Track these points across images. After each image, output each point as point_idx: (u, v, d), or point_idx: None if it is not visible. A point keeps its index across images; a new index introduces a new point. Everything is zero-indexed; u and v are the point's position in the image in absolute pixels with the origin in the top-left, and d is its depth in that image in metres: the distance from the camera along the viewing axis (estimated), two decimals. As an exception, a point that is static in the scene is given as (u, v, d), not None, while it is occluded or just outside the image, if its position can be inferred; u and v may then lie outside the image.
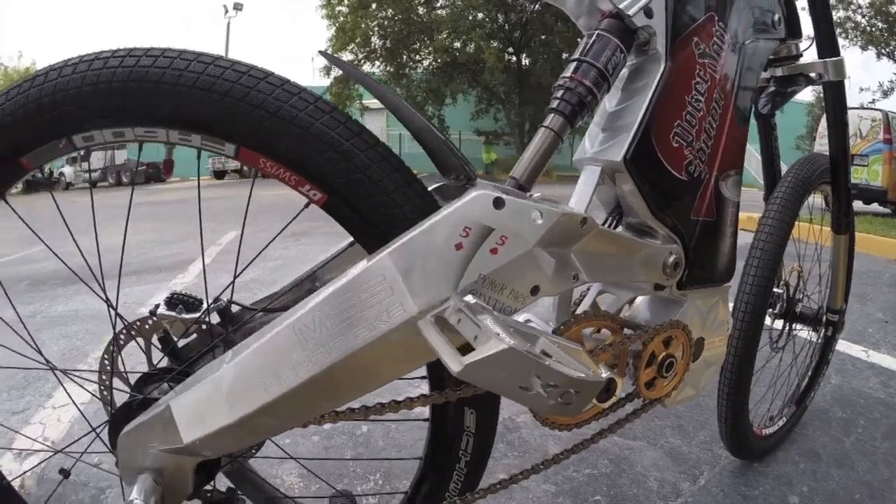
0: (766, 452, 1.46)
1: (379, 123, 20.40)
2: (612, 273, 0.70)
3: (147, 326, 0.80)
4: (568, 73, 0.69)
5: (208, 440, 0.57)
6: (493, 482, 0.74)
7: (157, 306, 0.79)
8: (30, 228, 0.76)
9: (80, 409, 0.93)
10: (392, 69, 16.75)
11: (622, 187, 0.73)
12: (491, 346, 0.44)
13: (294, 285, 0.81)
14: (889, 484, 1.36)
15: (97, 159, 19.22)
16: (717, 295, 0.86)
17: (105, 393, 0.83)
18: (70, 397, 0.86)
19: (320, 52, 0.80)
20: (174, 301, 0.79)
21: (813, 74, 1.12)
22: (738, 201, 0.84)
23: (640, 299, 0.85)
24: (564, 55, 16.51)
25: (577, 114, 0.67)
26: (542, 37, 17.10)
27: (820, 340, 1.56)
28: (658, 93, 0.71)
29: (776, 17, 0.90)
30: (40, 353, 0.81)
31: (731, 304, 1.03)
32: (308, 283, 0.79)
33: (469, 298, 0.52)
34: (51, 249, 0.79)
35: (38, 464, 1.40)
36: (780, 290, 1.44)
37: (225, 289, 0.80)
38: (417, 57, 16.89)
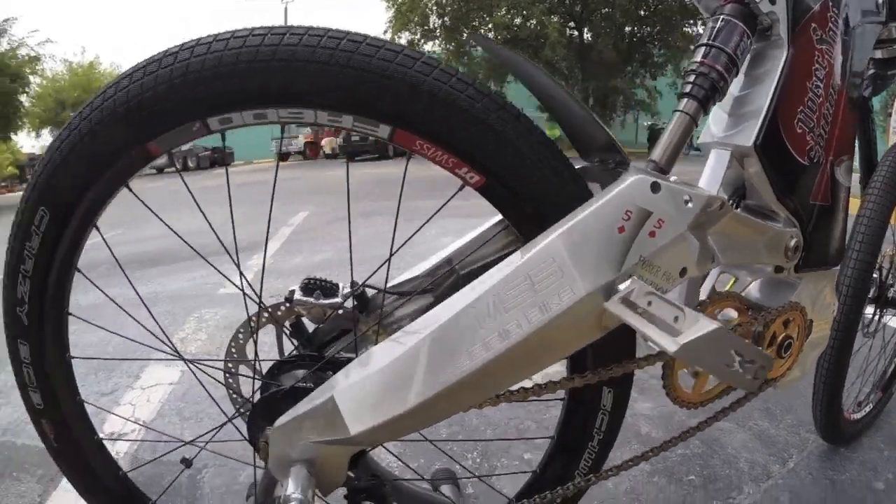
0: (853, 438, 1.45)
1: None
2: (741, 255, 0.71)
3: (281, 312, 0.78)
4: (698, 57, 0.69)
5: (376, 431, 0.56)
6: (613, 464, 0.76)
7: (293, 292, 0.77)
8: (155, 215, 0.78)
9: (214, 399, 0.87)
10: (452, 48, 16.61)
11: (749, 171, 0.74)
12: (701, 326, 0.47)
13: (432, 269, 0.79)
14: None
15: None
16: (826, 278, 0.85)
17: (231, 380, 0.83)
18: (206, 390, 0.83)
19: (470, 35, 0.75)
20: (311, 286, 0.77)
21: None
22: (850, 186, 0.84)
23: (757, 282, 0.86)
24: (627, 28, 15.93)
25: (709, 98, 0.68)
26: (604, 10, 16.64)
27: None
28: (782, 79, 0.72)
29: (880, 0, 0.87)
30: (169, 342, 0.82)
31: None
32: (445, 266, 0.77)
33: (638, 281, 0.54)
34: (180, 237, 0.81)
35: (165, 453, 1.36)
36: (875, 275, 1.41)
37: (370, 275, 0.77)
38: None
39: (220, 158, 20.53)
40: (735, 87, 0.77)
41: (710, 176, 0.73)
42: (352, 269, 0.79)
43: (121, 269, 0.78)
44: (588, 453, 0.77)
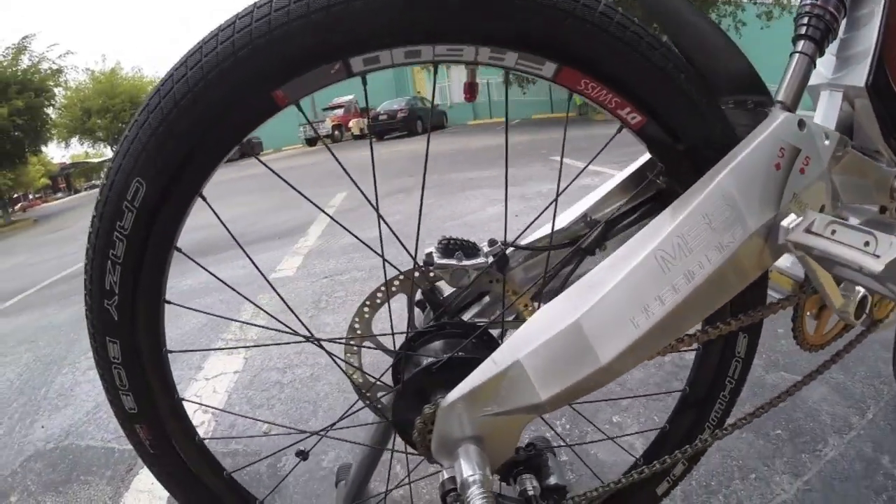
0: None
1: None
2: (854, 195, 0.71)
3: (421, 277, 0.71)
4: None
5: (565, 393, 0.53)
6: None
7: (431, 254, 0.70)
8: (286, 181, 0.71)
9: (353, 382, 0.75)
10: None
11: (859, 111, 0.73)
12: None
13: (569, 225, 0.76)
14: None
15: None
16: None
17: (351, 357, 0.74)
18: (343, 370, 0.73)
19: None
20: (450, 247, 0.70)
21: None
22: None
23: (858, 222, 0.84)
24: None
25: (825, 39, 0.66)
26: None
27: None
28: (884, 20, 0.70)
29: None
30: (306, 327, 0.72)
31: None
32: (581, 221, 0.75)
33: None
34: (322, 210, 0.78)
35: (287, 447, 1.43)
36: None
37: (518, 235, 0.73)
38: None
39: (250, 148, 20.67)
40: (840, 28, 0.76)
41: (825, 116, 0.73)
42: (505, 227, 0.75)
43: (240, 248, 0.63)
44: (719, 404, 0.78)
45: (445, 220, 4.00)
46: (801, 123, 0.58)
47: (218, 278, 0.78)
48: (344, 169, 0.67)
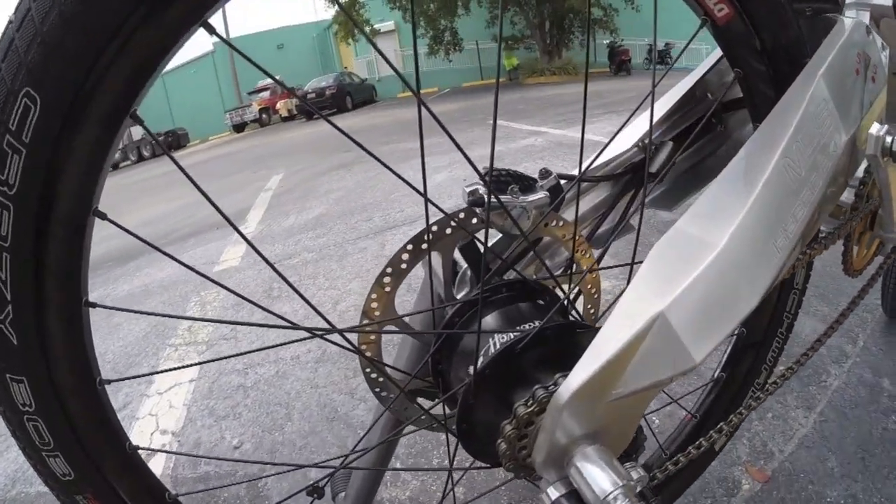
0: None
1: (392, 45, 20.03)
2: (891, 112, 0.64)
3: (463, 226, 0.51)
4: None
5: (714, 349, 0.41)
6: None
7: (474, 191, 0.50)
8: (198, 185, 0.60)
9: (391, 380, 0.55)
10: None
11: (884, 30, 0.70)
12: None
13: (623, 154, 0.65)
14: None
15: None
16: None
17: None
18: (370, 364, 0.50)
19: None
20: (502, 180, 0.52)
21: None
22: None
23: None
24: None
25: None
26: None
27: None
28: None
29: None
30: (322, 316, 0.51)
31: None
32: (635, 149, 0.65)
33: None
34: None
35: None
36: None
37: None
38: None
39: (175, 141, 19.48)
40: None
41: None
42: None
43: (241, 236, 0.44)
44: (777, 341, 0.72)
45: (393, 191, 3.85)
46: (868, 29, 0.52)
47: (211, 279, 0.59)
48: (349, 136, 0.50)
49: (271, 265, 0.42)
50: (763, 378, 0.72)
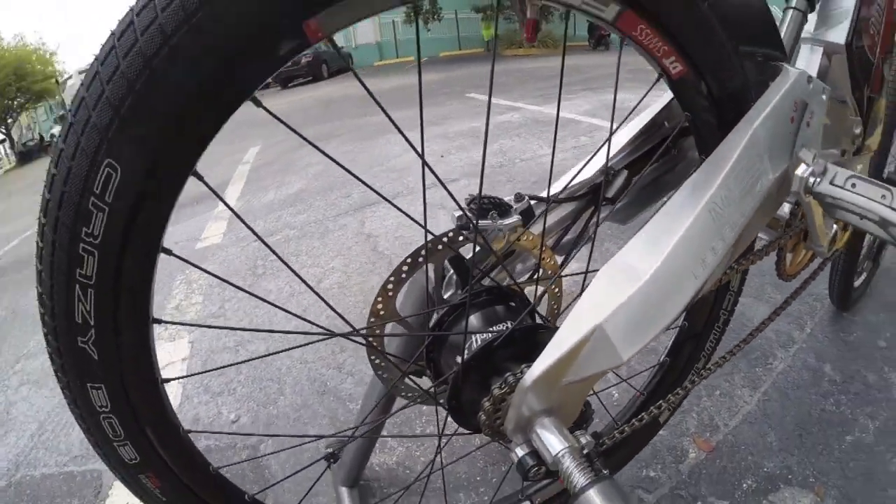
0: (855, 303, 1.59)
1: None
2: (831, 140, 0.77)
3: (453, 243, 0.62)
4: None
5: (642, 349, 0.53)
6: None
7: (461, 216, 0.61)
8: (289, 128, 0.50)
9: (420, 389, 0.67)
10: None
11: (835, 66, 0.78)
12: None
13: (591, 177, 0.74)
14: None
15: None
16: (866, 161, 0.92)
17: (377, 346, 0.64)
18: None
19: None
20: (485, 207, 0.62)
21: None
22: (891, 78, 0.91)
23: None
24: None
25: None
26: None
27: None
28: None
29: None
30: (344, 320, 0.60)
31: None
32: (599, 173, 0.74)
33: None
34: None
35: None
36: None
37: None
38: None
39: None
40: None
41: (806, 68, 0.75)
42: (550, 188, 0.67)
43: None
44: (714, 334, 0.83)
45: (371, 167, 3.88)
46: (810, 79, 0.60)
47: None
48: (375, 100, 0.58)
49: (290, 267, 0.51)
50: (702, 363, 0.84)
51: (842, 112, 0.78)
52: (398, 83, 9.77)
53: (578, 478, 0.48)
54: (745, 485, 1.05)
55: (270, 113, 0.44)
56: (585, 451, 0.52)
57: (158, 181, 0.40)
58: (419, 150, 0.49)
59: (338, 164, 0.51)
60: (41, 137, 18.97)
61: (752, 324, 1.50)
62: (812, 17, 0.77)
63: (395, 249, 2.36)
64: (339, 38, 19.94)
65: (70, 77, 19.28)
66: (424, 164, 0.50)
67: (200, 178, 0.42)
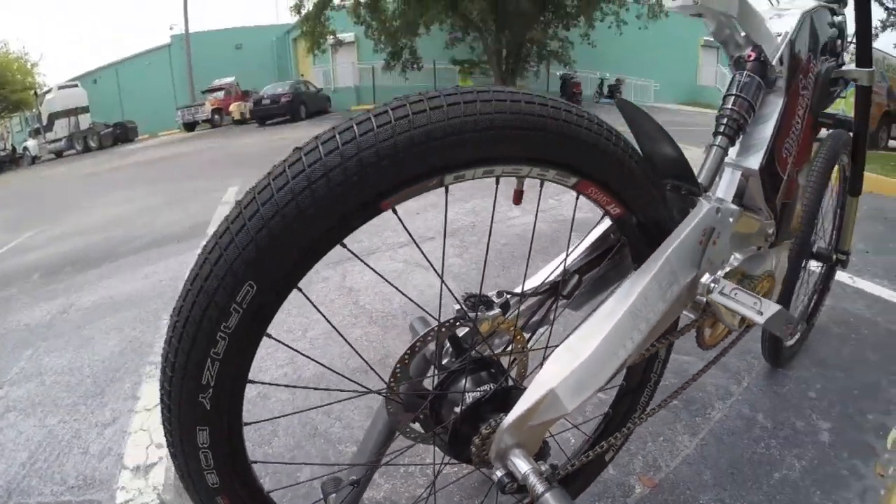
0: (788, 360, 1.83)
1: (351, 57, 20.24)
2: (746, 243, 1.01)
3: (448, 329, 0.81)
4: (729, 104, 0.96)
5: (579, 405, 0.75)
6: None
7: (461, 310, 0.83)
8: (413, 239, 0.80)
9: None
10: (367, 0, 15.80)
11: (751, 184, 1.01)
12: (772, 307, 0.78)
13: (552, 275, 0.94)
14: (878, 385, 1.74)
15: (61, 127, 18.03)
16: (786, 248, 1.16)
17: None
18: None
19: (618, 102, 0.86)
20: (475, 303, 0.83)
21: (853, 78, 1.32)
22: (804, 183, 1.16)
23: (747, 258, 1.11)
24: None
25: (736, 134, 0.95)
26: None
27: (824, 272, 1.91)
28: (780, 117, 0.99)
29: (838, 43, 1.18)
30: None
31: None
32: (559, 273, 0.94)
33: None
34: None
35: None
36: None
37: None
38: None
39: (124, 134, 18.95)
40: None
41: (727, 188, 1.01)
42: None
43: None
44: (647, 391, 1.04)
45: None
46: (718, 210, 0.83)
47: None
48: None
49: (337, 329, 0.70)
50: (637, 413, 1.05)
51: (756, 219, 1.01)
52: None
53: (539, 488, 0.68)
54: (683, 516, 1.24)
55: (354, 255, 0.69)
56: (543, 471, 0.71)
57: (276, 294, 0.59)
58: (439, 271, 0.71)
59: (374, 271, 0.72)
60: (13, 149, 18.50)
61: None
62: (736, 146, 1.00)
63: (376, 304, 2.47)
64: (320, 80, 20.37)
65: (49, 91, 18.94)
66: (442, 282, 0.70)
67: (301, 291, 0.63)
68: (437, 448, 0.85)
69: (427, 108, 0.58)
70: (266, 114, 16.26)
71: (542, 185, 0.72)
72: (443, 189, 0.63)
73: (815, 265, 1.86)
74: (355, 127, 0.57)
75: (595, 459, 1.00)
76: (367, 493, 1.33)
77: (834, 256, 1.74)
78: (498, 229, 3.47)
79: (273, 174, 0.58)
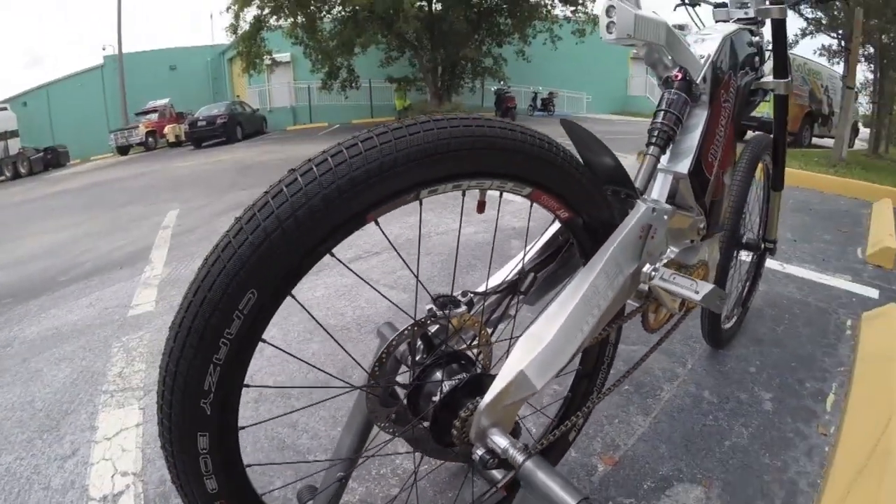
0: (727, 341, 2.01)
1: (287, 77, 20.15)
2: (680, 237, 1.13)
3: (420, 328, 0.89)
4: (659, 119, 1.10)
5: (551, 380, 0.84)
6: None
7: (431, 309, 0.89)
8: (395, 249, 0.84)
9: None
10: (303, 20, 15.64)
11: (681, 186, 1.15)
12: (706, 286, 0.89)
13: (511, 274, 1.04)
14: (813, 356, 1.95)
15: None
16: (716, 240, 1.28)
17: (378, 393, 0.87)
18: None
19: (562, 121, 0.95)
20: (444, 302, 0.90)
21: (770, 89, 1.52)
22: (728, 183, 1.31)
23: (681, 250, 1.23)
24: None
25: (667, 144, 1.09)
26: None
27: (755, 260, 2.11)
28: (705, 127, 1.14)
29: (756, 60, 1.36)
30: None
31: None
32: (517, 273, 1.03)
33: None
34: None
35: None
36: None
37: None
38: (327, 7, 15.88)
39: (55, 159, 17.96)
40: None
41: (660, 190, 1.14)
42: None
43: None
44: (601, 374, 1.15)
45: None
46: (654, 209, 0.96)
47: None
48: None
49: (325, 328, 0.76)
50: (594, 395, 1.14)
51: (687, 216, 1.15)
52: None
53: (519, 457, 0.75)
54: (645, 485, 1.35)
55: (347, 266, 0.78)
56: (520, 443, 0.79)
57: (274, 301, 0.65)
58: (415, 272, 0.79)
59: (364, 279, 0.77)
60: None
61: (642, 365, 1.83)
62: (668, 154, 1.13)
63: (329, 319, 2.49)
64: (255, 100, 20.05)
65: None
66: (418, 281, 0.81)
67: (294, 297, 0.67)
68: (414, 440, 0.92)
69: (406, 133, 0.67)
70: (202, 136, 15.84)
71: (500, 196, 0.82)
72: (373, 223, 0.70)
73: (746, 255, 2.03)
74: (345, 151, 0.65)
75: (560, 439, 1.08)
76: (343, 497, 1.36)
77: (762, 245, 1.92)
78: (443, 241, 3.55)
79: (272, 193, 0.64)
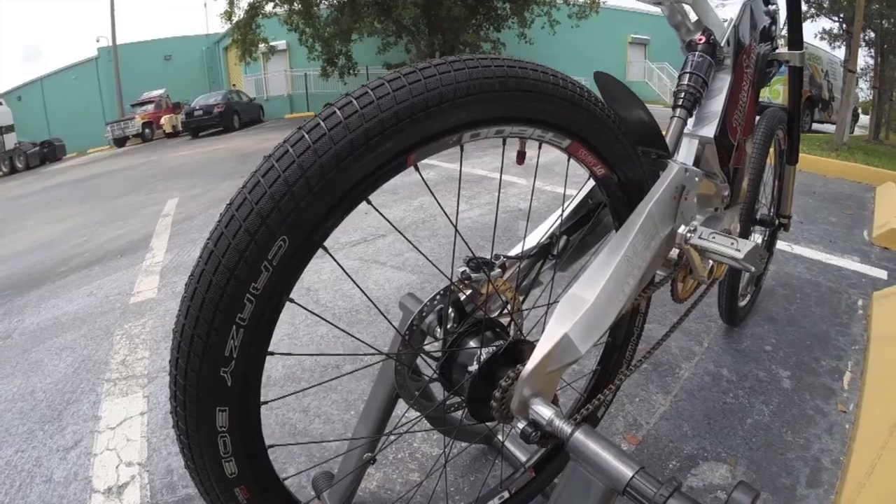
0: (742, 319, 1.98)
1: (283, 65, 19.82)
2: (706, 204, 1.10)
3: (460, 288, 0.86)
4: (685, 81, 1.07)
5: (594, 343, 0.79)
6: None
7: (465, 272, 0.85)
8: (395, 228, 0.76)
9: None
10: (300, 7, 15.45)
11: (706, 151, 1.12)
12: (748, 244, 0.85)
13: (543, 239, 0.99)
14: (827, 334, 1.92)
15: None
16: (737, 211, 1.26)
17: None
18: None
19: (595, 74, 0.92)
20: (478, 265, 0.86)
21: (785, 60, 1.47)
22: (749, 152, 1.27)
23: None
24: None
25: (693, 106, 1.06)
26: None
27: (767, 238, 2.06)
28: (729, 92, 1.12)
29: (772, 28, 1.33)
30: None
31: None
32: (548, 237, 0.99)
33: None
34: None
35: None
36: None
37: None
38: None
39: (51, 153, 17.79)
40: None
41: (686, 155, 1.11)
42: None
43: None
44: (630, 346, 1.10)
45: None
46: (686, 170, 0.92)
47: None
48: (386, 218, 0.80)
49: (360, 288, 0.71)
50: (623, 368, 1.11)
51: (713, 183, 1.11)
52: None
53: (566, 429, 0.70)
54: (671, 465, 1.31)
55: (380, 213, 0.69)
56: (566, 413, 0.74)
57: (305, 253, 0.57)
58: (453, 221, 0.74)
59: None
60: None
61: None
62: (693, 118, 1.10)
63: (337, 301, 2.45)
64: (251, 89, 19.90)
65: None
66: (456, 231, 0.73)
67: (326, 249, 0.60)
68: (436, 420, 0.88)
69: (451, 69, 0.61)
70: (199, 125, 15.74)
71: (539, 147, 0.77)
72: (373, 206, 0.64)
73: (757, 233, 2.00)
74: (387, 83, 0.58)
75: (589, 417, 1.03)
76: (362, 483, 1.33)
77: (777, 220, 1.88)
78: (446, 222, 3.47)
79: (307, 127, 0.57)
